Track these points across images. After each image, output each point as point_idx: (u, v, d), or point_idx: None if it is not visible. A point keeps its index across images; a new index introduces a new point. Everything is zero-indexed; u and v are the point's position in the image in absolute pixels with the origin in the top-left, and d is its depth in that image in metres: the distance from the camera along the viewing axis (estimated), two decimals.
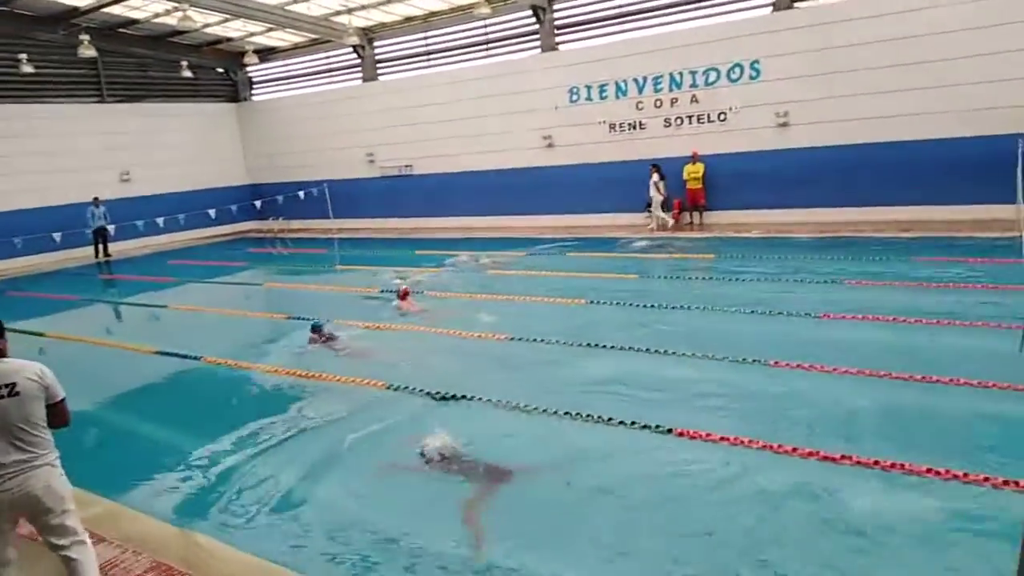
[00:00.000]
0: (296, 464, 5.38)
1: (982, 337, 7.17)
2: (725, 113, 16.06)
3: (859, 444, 5.01)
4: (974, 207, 13.53)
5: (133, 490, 5.22)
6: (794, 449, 4.96)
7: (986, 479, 4.35)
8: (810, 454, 4.88)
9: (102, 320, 12.83)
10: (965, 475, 4.40)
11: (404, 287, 10.88)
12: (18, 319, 10.81)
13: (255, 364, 8.17)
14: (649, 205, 16.71)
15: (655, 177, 16.36)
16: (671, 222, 16.48)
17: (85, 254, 19.42)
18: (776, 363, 6.74)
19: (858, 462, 4.72)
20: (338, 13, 19.78)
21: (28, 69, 18.50)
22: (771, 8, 15.43)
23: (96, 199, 19.27)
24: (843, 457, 4.79)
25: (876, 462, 4.67)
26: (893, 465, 4.62)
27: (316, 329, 8.73)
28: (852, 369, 6.39)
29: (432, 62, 21.00)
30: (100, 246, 19.41)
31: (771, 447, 5.04)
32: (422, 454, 5.26)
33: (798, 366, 6.61)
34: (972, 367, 6.15)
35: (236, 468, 5.42)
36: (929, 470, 4.50)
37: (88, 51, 17.71)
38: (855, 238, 13.21)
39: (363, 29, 21.09)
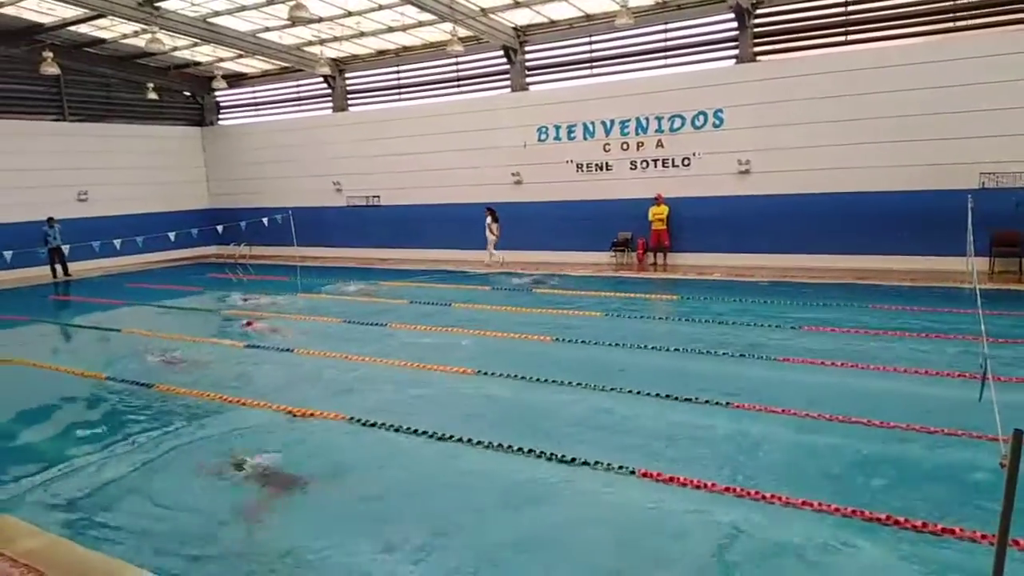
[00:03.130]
0: (129, 468, 5.94)
1: (942, 385, 7.30)
2: (689, 158, 16.43)
3: (809, 488, 5.03)
4: (929, 258, 13.99)
5: None
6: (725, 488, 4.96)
7: (944, 530, 4.38)
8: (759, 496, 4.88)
9: (49, 343, 12.36)
10: (924, 525, 4.43)
11: (249, 319, 11.86)
12: None
13: (188, 390, 8.12)
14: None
15: (488, 219, 17.50)
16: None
17: (39, 274, 18.90)
18: (732, 404, 6.78)
19: (805, 504, 4.77)
20: (310, 43, 19.82)
21: None
22: (735, 60, 15.95)
23: (50, 219, 18.77)
24: (786, 501, 4.82)
25: (805, 502, 4.68)
26: (837, 509, 4.65)
27: None
28: (813, 413, 6.44)
29: (403, 95, 21.13)
30: (57, 266, 18.97)
31: (683, 481, 5.03)
32: (240, 462, 5.77)
33: (764, 408, 6.65)
34: (930, 415, 6.24)
35: (82, 468, 5.98)
36: (889, 518, 4.52)
37: (51, 68, 17.33)
38: (814, 284, 13.48)
39: (335, 60, 21.16)
